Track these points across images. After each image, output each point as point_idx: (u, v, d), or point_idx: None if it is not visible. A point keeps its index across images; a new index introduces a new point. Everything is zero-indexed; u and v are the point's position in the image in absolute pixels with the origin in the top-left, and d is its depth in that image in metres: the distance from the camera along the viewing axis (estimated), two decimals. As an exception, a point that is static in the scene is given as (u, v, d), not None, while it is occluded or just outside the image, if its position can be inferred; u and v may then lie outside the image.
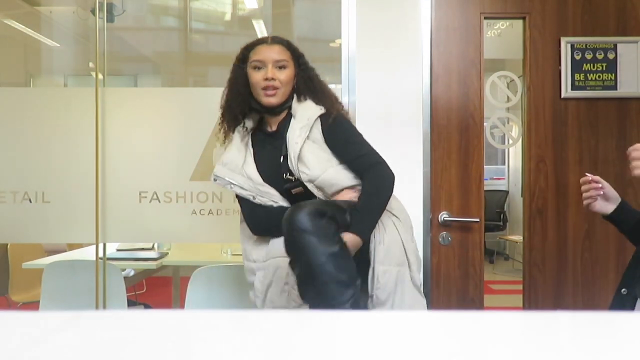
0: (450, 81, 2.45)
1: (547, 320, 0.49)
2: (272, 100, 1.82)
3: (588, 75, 2.42)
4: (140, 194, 2.49)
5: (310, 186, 1.74)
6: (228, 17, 5.25)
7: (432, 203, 2.42)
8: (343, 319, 0.52)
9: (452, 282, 2.45)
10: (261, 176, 1.83)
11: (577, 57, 2.43)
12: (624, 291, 1.63)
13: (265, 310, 1.64)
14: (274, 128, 1.88)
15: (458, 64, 2.45)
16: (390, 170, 1.75)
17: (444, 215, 2.42)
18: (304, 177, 1.74)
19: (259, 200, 1.81)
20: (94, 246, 2.54)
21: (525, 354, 0.43)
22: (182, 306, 3.19)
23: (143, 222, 2.50)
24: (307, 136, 1.77)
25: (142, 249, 3.44)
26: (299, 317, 0.53)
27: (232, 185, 1.84)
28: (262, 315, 0.56)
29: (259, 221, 1.84)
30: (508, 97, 2.52)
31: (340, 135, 1.80)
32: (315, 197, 1.76)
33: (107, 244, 2.67)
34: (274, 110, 1.85)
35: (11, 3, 4.39)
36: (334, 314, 0.54)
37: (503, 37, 2.69)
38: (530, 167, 2.46)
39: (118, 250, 3.42)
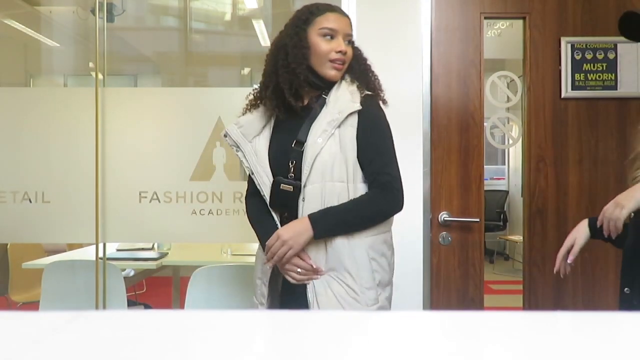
0: (450, 81, 2.45)
1: (547, 320, 0.49)
2: (337, 75, 1.68)
3: (588, 75, 2.42)
4: (140, 194, 2.49)
5: (301, 192, 1.63)
6: (228, 17, 5.26)
7: (432, 203, 2.42)
8: (343, 319, 0.52)
9: (452, 282, 2.45)
10: (270, 155, 1.71)
11: (577, 57, 2.43)
12: (627, 290, 1.63)
13: (265, 310, 1.64)
14: (305, 102, 1.72)
15: (458, 64, 2.45)
16: (397, 202, 1.65)
17: (444, 215, 2.42)
18: (302, 181, 1.64)
19: (254, 177, 1.70)
20: (94, 246, 2.54)
21: (525, 354, 0.43)
22: (182, 306, 3.19)
23: (143, 222, 2.50)
24: (333, 132, 1.63)
25: (142, 249, 3.44)
26: (298, 317, 0.53)
27: (238, 150, 1.73)
28: (262, 315, 0.56)
29: (252, 208, 1.77)
30: (508, 97, 2.52)
31: (375, 141, 1.67)
32: (296, 207, 1.64)
33: (107, 244, 2.67)
34: (330, 84, 1.69)
35: (11, 3, 4.39)
36: (334, 314, 0.54)
37: (503, 37, 2.69)
38: (530, 167, 2.46)
39: (118, 250, 3.42)
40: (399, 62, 2.38)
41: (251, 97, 1.78)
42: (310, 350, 0.43)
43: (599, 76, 2.43)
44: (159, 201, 2.49)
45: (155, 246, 3.50)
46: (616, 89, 2.43)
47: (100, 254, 2.57)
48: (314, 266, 1.62)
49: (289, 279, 1.64)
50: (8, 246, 3.62)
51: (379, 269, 1.65)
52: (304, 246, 1.61)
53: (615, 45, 2.43)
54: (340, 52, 1.65)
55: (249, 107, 1.78)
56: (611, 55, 2.43)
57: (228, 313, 0.53)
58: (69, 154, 2.50)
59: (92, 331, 0.47)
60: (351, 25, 1.72)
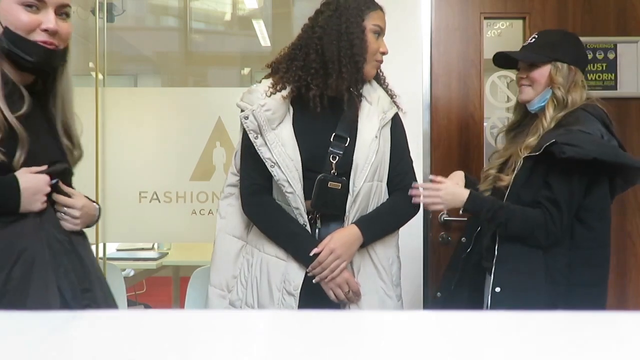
0: (450, 81, 2.45)
1: (547, 320, 0.49)
2: (375, 75, 1.67)
3: (588, 75, 2.42)
4: (140, 194, 2.49)
5: (350, 196, 1.57)
6: (228, 17, 5.26)
7: (432, 203, 2.42)
8: (343, 319, 0.53)
9: (452, 282, 2.45)
10: (300, 148, 1.57)
11: (577, 57, 2.42)
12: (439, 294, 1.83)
13: (265, 310, 1.63)
14: (334, 93, 1.60)
15: (458, 64, 2.45)
16: (419, 204, 1.70)
17: (443, 216, 2.41)
18: (352, 185, 1.56)
19: (276, 171, 1.54)
20: (94, 246, 2.54)
21: (525, 354, 0.43)
22: (182, 306, 3.19)
23: (143, 222, 2.50)
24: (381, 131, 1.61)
25: (142, 249, 3.44)
26: (298, 317, 0.53)
27: (258, 136, 1.55)
28: (262, 315, 0.56)
29: (268, 209, 1.62)
30: (508, 97, 2.52)
31: (402, 144, 1.70)
32: (343, 204, 1.58)
33: (107, 244, 2.66)
34: (363, 82, 1.64)
35: (11, 3, 4.38)
36: (334, 315, 0.54)
37: (503, 37, 2.69)
38: (530, 167, 2.46)
39: (118, 250, 3.42)
40: (399, 62, 2.38)
41: (275, 78, 1.61)
42: (310, 350, 0.43)
43: (599, 76, 2.43)
44: (159, 201, 2.49)
45: (155, 246, 3.49)
46: (616, 89, 2.43)
47: (100, 254, 2.57)
48: (360, 290, 1.60)
49: (331, 295, 1.58)
50: (8, 246, 3.61)
51: (400, 266, 1.71)
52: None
53: (615, 45, 2.43)
54: (383, 53, 1.63)
55: (274, 89, 1.59)
56: (611, 55, 2.43)
57: (228, 313, 0.53)
58: (69, 154, 2.50)
59: (92, 331, 0.47)
60: None
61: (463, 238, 1.88)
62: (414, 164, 2.38)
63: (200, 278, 2.57)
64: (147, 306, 4.15)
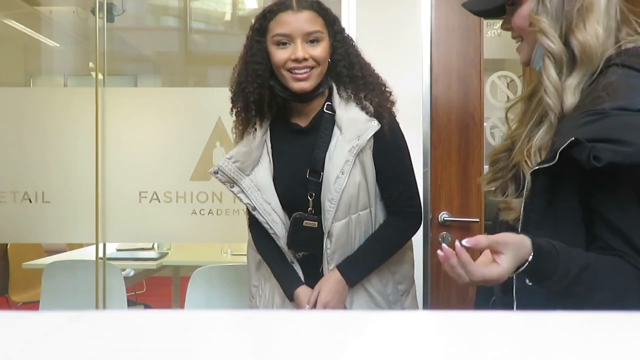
0: (450, 81, 2.45)
1: (547, 320, 0.49)
2: (305, 85, 1.43)
3: (588, 75, 2.41)
4: (140, 194, 2.49)
5: (325, 236, 1.49)
6: (228, 17, 5.26)
7: (432, 203, 2.42)
8: (343, 319, 0.52)
9: (452, 282, 2.44)
10: (276, 188, 1.51)
11: (577, 57, 2.42)
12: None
13: (265, 310, 1.63)
14: (305, 124, 1.53)
15: (458, 64, 2.45)
16: (418, 222, 1.57)
17: (444, 215, 2.42)
18: (324, 218, 1.47)
19: (257, 214, 1.51)
20: (94, 246, 2.54)
21: (525, 354, 0.43)
22: (182, 306, 3.19)
23: (143, 222, 2.50)
24: (355, 160, 1.45)
25: (142, 249, 3.44)
26: (299, 317, 0.53)
27: (233, 186, 1.52)
28: (262, 315, 0.56)
29: (266, 247, 1.59)
30: (508, 97, 2.52)
31: (393, 162, 1.53)
32: (321, 243, 1.50)
33: (107, 244, 2.67)
34: (305, 96, 1.48)
35: (11, 3, 4.39)
36: (334, 314, 0.54)
37: (503, 37, 2.69)
38: (530, 167, 2.46)
39: (118, 250, 3.42)
40: (399, 62, 2.37)
41: (239, 125, 1.54)
42: (310, 349, 0.43)
43: (599, 76, 2.42)
44: (159, 201, 2.49)
45: (155, 246, 3.50)
46: (616, 89, 2.42)
47: (100, 254, 2.58)
48: None
49: None
50: (8, 246, 3.62)
51: (402, 279, 1.61)
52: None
53: (615, 45, 2.43)
54: (296, 59, 1.41)
55: (240, 134, 1.55)
56: (611, 55, 2.42)
57: (228, 313, 0.53)
58: (69, 154, 2.50)
59: (92, 331, 0.47)
60: (316, 19, 1.44)
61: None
62: (414, 164, 2.37)
63: (200, 278, 2.58)
64: (147, 306, 4.16)
